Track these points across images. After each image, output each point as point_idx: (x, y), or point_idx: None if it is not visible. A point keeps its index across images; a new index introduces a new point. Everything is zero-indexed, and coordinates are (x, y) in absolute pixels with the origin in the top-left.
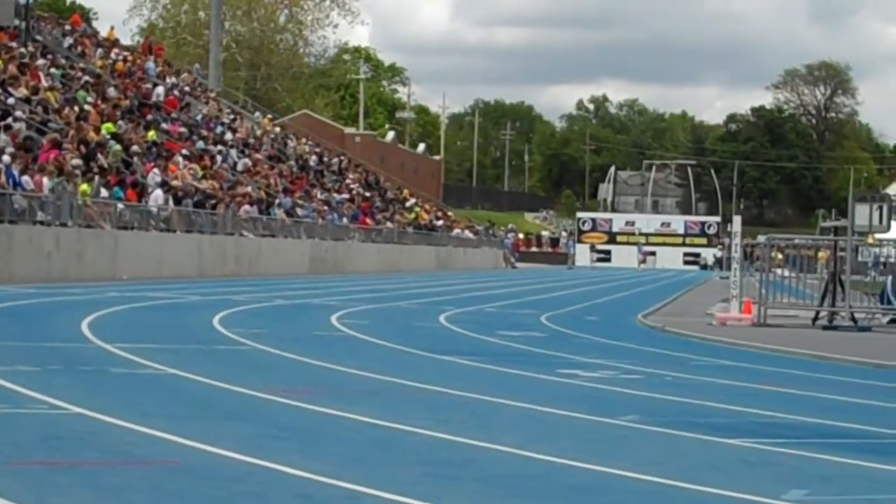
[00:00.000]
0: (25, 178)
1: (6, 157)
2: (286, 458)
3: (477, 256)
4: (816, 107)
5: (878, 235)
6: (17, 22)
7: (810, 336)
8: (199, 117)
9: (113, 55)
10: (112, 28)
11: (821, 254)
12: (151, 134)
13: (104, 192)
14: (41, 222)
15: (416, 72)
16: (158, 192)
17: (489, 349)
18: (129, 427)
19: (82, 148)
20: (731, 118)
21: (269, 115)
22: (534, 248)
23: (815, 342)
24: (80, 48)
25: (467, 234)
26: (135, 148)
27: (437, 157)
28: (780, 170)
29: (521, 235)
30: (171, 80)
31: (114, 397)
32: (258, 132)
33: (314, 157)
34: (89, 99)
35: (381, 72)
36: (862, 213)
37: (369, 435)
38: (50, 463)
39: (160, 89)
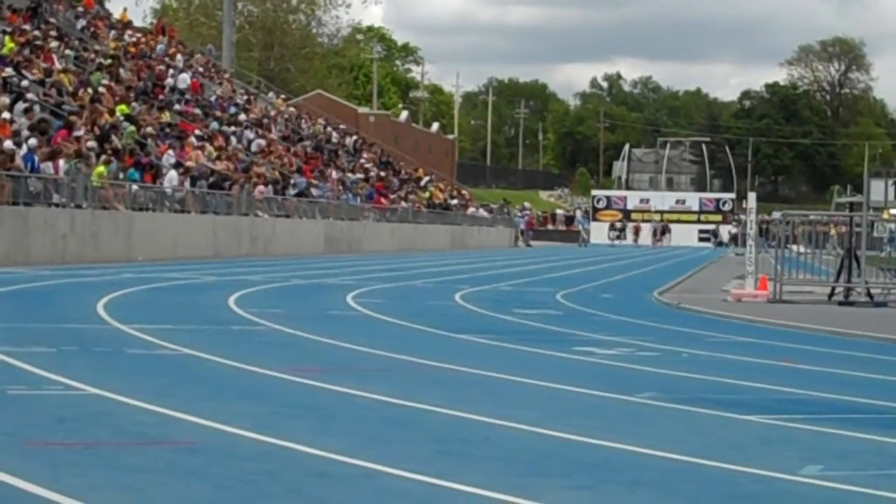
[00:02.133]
0: (45, 165)
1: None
2: (302, 436)
3: (492, 235)
4: (831, 83)
5: (893, 211)
6: (29, 3)
7: (826, 312)
8: (212, 98)
9: (126, 37)
10: (125, 10)
11: (832, 229)
12: (165, 115)
13: (121, 175)
14: (56, 204)
15: (429, 51)
16: (173, 174)
17: (505, 327)
18: (144, 407)
19: (96, 130)
20: (746, 95)
21: (283, 96)
22: (549, 226)
23: (830, 318)
24: (92, 30)
25: (482, 212)
26: (149, 129)
27: (450, 137)
28: (795, 146)
29: (538, 213)
30: (180, 57)
31: (129, 378)
32: (272, 112)
33: (335, 134)
34: (104, 81)
35: (395, 51)
36: (877, 189)
37: (385, 413)
38: (66, 444)
39: (185, 76)
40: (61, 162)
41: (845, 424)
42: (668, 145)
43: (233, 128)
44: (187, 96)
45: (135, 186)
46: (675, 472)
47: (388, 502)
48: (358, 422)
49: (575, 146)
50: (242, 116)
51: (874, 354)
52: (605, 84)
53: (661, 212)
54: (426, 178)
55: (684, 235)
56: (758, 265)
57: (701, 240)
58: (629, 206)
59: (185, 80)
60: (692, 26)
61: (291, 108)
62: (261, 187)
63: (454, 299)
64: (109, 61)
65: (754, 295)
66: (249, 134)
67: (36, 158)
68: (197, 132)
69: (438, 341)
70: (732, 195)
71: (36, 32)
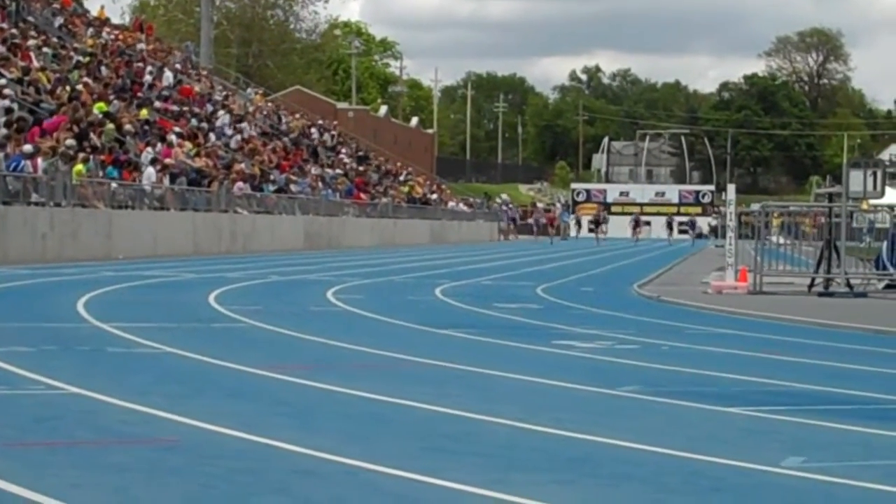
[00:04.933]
0: (26, 163)
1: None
2: (284, 434)
3: (472, 229)
4: (809, 73)
5: (872, 201)
6: (7, 2)
7: (806, 303)
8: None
9: (104, 34)
10: (102, 7)
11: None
12: (144, 112)
13: (100, 173)
14: (35, 203)
15: (407, 46)
16: (150, 170)
17: (485, 322)
18: (126, 406)
19: (75, 128)
20: (724, 86)
21: (262, 92)
22: (529, 220)
23: (811, 309)
24: (70, 28)
25: (462, 207)
26: (128, 127)
27: (430, 131)
28: (774, 137)
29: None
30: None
31: (110, 376)
32: (251, 108)
33: (314, 130)
34: (86, 79)
35: (373, 46)
36: (856, 179)
37: (367, 410)
38: (48, 443)
39: (168, 73)
40: (40, 160)
41: (827, 415)
42: (648, 138)
43: (212, 124)
44: (165, 93)
45: (114, 184)
46: (659, 466)
47: (372, 499)
48: (341, 418)
49: (554, 139)
50: (221, 113)
51: (855, 345)
52: (584, 77)
53: (641, 204)
54: (405, 172)
55: (665, 228)
56: (738, 257)
57: (680, 232)
58: (609, 199)
59: (168, 77)
60: (670, 18)
61: (270, 104)
62: (240, 184)
63: (435, 294)
64: (87, 59)
65: (734, 287)
66: (228, 130)
67: (23, 160)
68: (176, 129)
69: (419, 336)
70: (712, 187)
71: (14, 31)
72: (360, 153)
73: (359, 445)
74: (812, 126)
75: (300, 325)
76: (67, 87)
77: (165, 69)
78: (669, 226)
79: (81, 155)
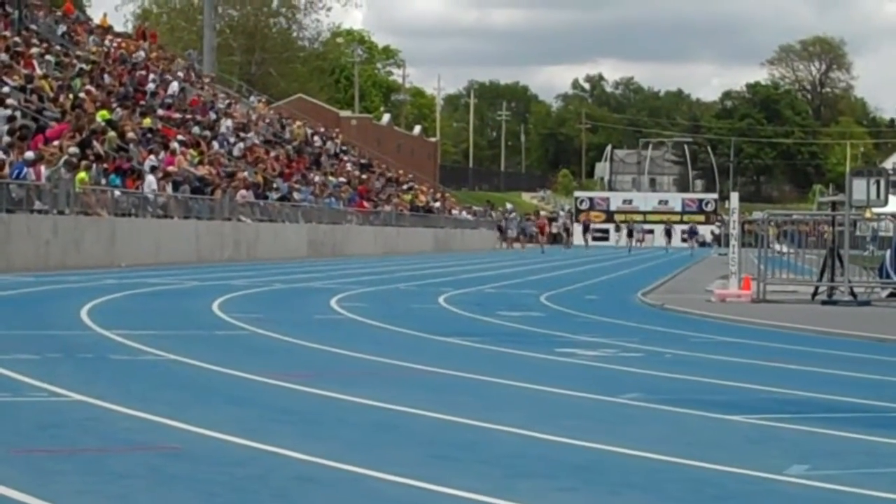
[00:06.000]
0: (28, 170)
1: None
2: (288, 441)
3: (475, 237)
4: (812, 82)
5: (875, 210)
6: (10, 10)
7: (810, 311)
8: None
9: (107, 42)
10: (105, 15)
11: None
12: (147, 120)
13: (102, 181)
14: (39, 211)
15: (410, 54)
16: (151, 178)
17: (489, 330)
18: (129, 413)
19: (78, 135)
20: (727, 95)
21: (264, 100)
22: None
23: (814, 317)
24: (73, 36)
25: (465, 215)
26: (130, 135)
27: (432, 139)
28: (777, 146)
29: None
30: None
31: (114, 384)
32: (253, 116)
33: (317, 138)
34: (89, 87)
35: (376, 54)
36: (859, 188)
37: (371, 417)
38: (51, 450)
39: (175, 83)
40: (43, 168)
41: (831, 423)
42: (651, 146)
43: (214, 132)
44: (168, 100)
45: (117, 192)
46: (662, 473)
47: None
48: (344, 426)
49: (557, 148)
50: (224, 121)
51: (858, 353)
52: (587, 85)
53: (644, 212)
54: (408, 180)
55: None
56: (741, 265)
57: (683, 240)
58: (612, 208)
59: (174, 86)
60: (673, 27)
61: (273, 112)
62: (243, 191)
63: (438, 302)
64: (90, 66)
65: (738, 295)
66: (231, 138)
67: (25, 168)
68: (179, 137)
69: (423, 344)
70: (715, 195)
71: (17, 39)
72: (363, 161)
73: (362, 453)
74: (815, 135)
75: (303, 332)
76: (70, 95)
77: (172, 79)
78: (668, 234)
79: (84, 163)
